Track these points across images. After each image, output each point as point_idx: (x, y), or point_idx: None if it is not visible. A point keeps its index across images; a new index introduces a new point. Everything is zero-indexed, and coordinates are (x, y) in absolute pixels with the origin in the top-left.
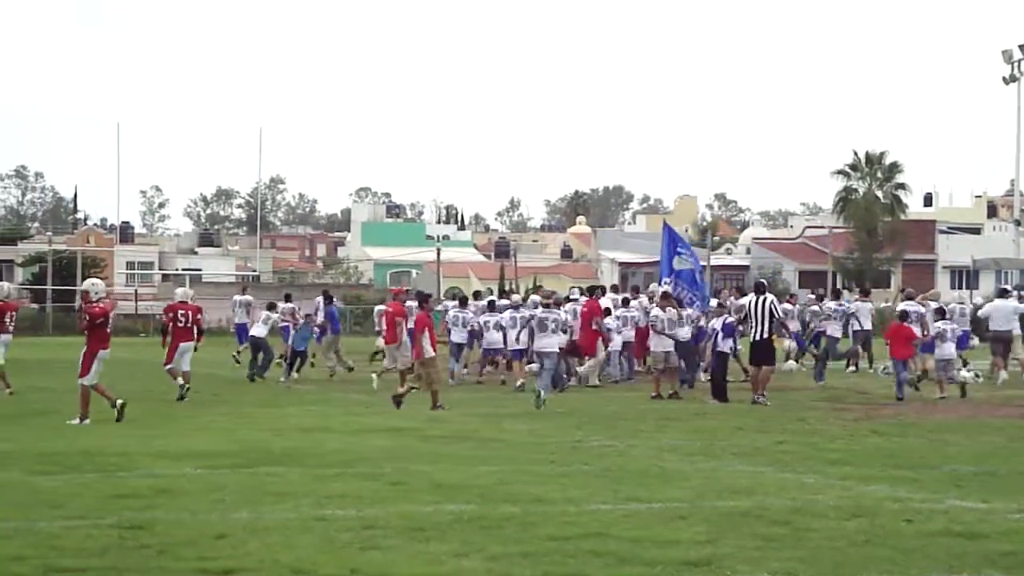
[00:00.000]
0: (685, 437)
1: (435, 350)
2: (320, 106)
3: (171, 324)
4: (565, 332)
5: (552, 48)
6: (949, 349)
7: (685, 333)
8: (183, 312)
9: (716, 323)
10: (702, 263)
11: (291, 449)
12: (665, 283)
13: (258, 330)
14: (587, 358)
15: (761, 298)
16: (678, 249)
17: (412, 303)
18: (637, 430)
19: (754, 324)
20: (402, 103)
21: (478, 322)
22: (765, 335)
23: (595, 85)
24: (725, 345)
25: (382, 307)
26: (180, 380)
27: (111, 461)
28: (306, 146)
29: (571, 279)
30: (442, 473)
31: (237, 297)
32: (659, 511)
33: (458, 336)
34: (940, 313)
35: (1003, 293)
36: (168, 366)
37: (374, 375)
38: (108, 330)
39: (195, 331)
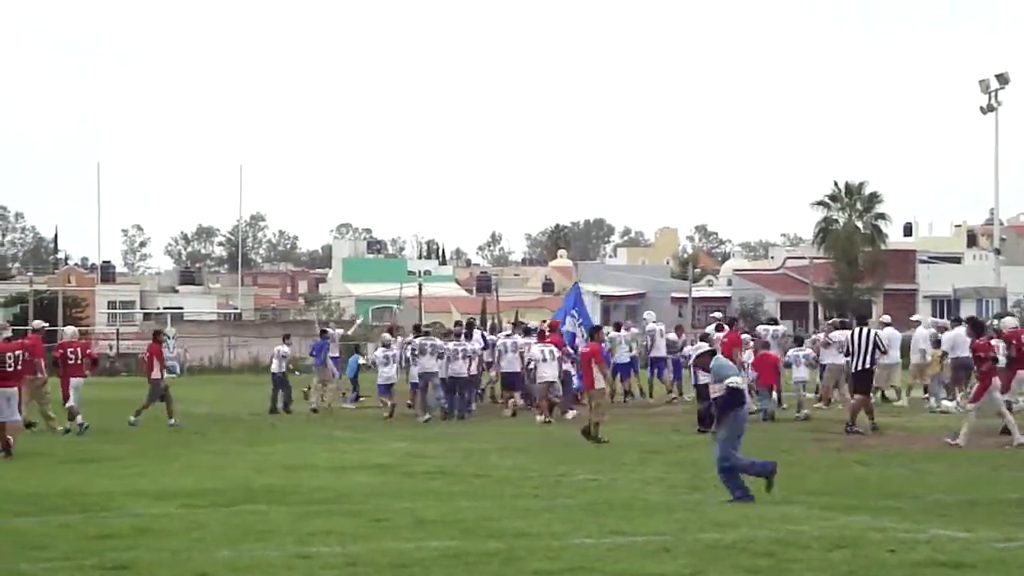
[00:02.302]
0: (668, 470)
1: (605, 381)
2: (300, 143)
3: (62, 361)
4: (467, 359)
5: (532, 82)
6: (801, 373)
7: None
8: (72, 350)
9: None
10: (683, 295)
11: (273, 487)
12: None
13: (275, 367)
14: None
15: (864, 329)
16: (573, 312)
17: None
18: (620, 463)
19: (856, 354)
20: (383, 139)
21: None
22: (867, 364)
23: (575, 118)
24: (704, 377)
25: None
26: (79, 419)
27: (93, 501)
28: (286, 183)
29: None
30: (425, 509)
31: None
32: (643, 544)
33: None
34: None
35: (958, 322)
36: (68, 404)
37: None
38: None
39: (84, 365)
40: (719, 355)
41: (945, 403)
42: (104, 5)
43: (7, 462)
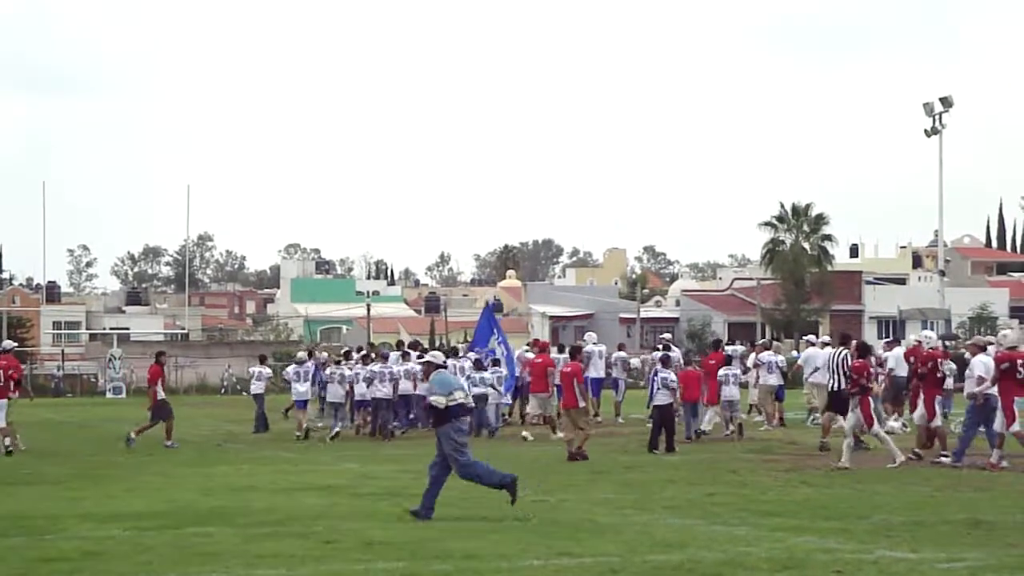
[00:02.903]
0: (617, 490)
1: (585, 400)
2: (248, 162)
3: None
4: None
5: (481, 102)
6: (733, 391)
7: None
8: None
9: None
10: (632, 315)
11: (220, 508)
12: (476, 351)
13: (256, 388)
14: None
15: (839, 350)
16: (494, 331)
17: (560, 355)
18: (569, 484)
19: (833, 374)
20: (330, 159)
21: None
22: (842, 385)
23: (523, 139)
24: (662, 398)
25: (526, 353)
26: (7, 441)
27: (38, 524)
28: (234, 203)
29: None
30: (373, 531)
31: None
32: (591, 565)
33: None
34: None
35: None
36: None
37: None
38: None
39: (11, 385)
40: (441, 370)
41: (890, 423)
42: (50, 24)
43: None
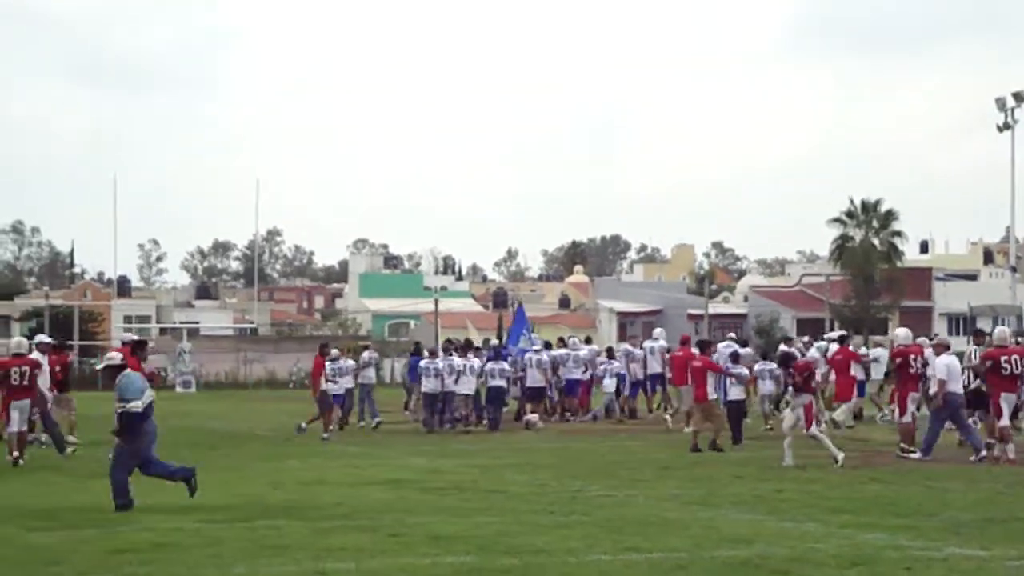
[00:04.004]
0: (684, 486)
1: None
2: (317, 157)
3: (4, 381)
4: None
5: (550, 97)
6: (768, 387)
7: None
8: (17, 368)
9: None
10: (700, 311)
11: (289, 502)
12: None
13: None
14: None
15: (971, 348)
16: (524, 331)
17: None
18: (636, 479)
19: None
20: (398, 153)
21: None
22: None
23: (591, 134)
24: (735, 393)
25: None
26: (16, 453)
27: (108, 517)
28: (303, 198)
29: (569, 328)
30: (441, 525)
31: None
32: (659, 560)
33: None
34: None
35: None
36: (10, 430)
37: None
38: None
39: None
40: (128, 372)
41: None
42: (117, 17)
43: (23, 480)
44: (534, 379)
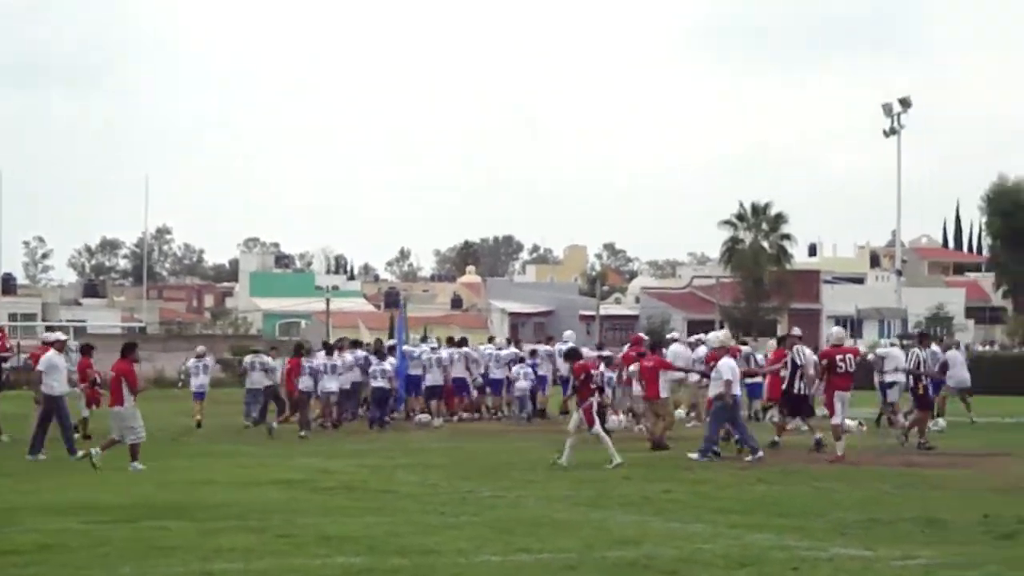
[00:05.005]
0: (574, 487)
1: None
2: (207, 154)
3: None
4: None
5: (439, 97)
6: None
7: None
8: None
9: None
10: (591, 312)
11: (177, 502)
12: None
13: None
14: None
15: (915, 350)
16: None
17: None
18: (527, 480)
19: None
20: (289, 152)
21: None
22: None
23: (483, 135)
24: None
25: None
26: None
27: None
28: (193, 195)
29: (461, 329)
30: (331, 525)
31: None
32: (548, 561)
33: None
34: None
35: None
36: None
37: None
38: None
39: None
40: None
41: (848, 422)
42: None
43: None
44: (433, 378)
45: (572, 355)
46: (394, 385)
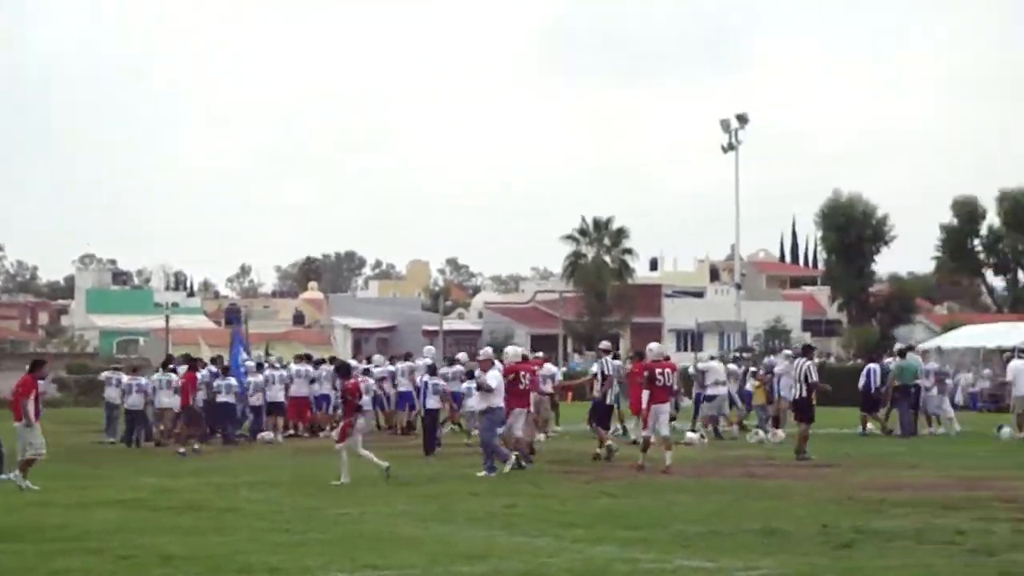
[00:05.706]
0: (418, 502)
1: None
2: (39, 168)
3: None
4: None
5: (280, 110)
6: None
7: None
8: None
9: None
10: (435, 327)
11: (12, 525)
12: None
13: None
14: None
15: (800, 360)
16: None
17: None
18: (371, 496)
19: (796, 384)
20: (123, 165)
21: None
22: (804, 394)
23: (323, 150)
24: (433, 402)
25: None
26: None
27: None
28: (26, 210)
29: (304, 345)
30: (173, 545)
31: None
32: None
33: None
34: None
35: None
36: None
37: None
38: None
39: None
40: None
41: (689, 434)
42: None
43: None
44: (273, 395)
45: (342, 370)
46: (241, 402)
